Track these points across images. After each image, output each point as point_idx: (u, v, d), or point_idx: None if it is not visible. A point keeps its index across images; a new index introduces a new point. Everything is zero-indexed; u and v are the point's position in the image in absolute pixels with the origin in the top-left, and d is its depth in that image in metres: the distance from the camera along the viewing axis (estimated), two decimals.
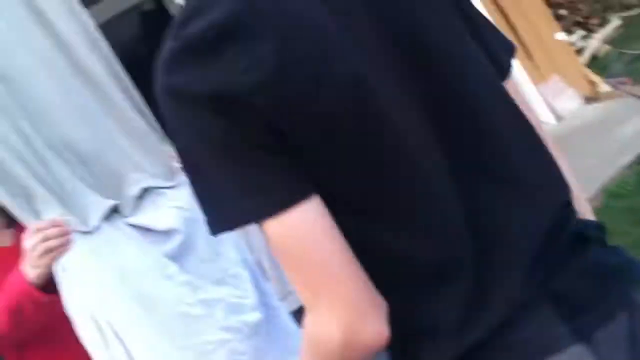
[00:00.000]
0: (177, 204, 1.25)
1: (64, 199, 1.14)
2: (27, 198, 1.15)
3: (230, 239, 1.34)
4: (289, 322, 1.36)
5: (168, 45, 0.53)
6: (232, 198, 0.53)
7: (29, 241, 1.14)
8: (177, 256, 1.20)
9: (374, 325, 0.54)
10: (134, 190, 1.21)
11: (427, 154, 0.57)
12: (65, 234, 1.11)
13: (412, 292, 0.58)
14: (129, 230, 1.18)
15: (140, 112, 1.32)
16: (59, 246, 1.11)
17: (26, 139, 1.11)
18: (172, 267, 1.18)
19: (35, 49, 1.20)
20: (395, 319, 0.55)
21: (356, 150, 0.54)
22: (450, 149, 0.57)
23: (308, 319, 0.56)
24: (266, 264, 2.27)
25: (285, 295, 2.18)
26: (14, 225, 1.54)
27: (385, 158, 0.55)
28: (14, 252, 1.41)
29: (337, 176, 0.54)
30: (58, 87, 1.20)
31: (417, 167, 0.56)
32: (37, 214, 1.15)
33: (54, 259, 1.13)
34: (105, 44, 1.31)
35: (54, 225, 1.12)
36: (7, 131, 1.10)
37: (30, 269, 1.17)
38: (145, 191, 1.23)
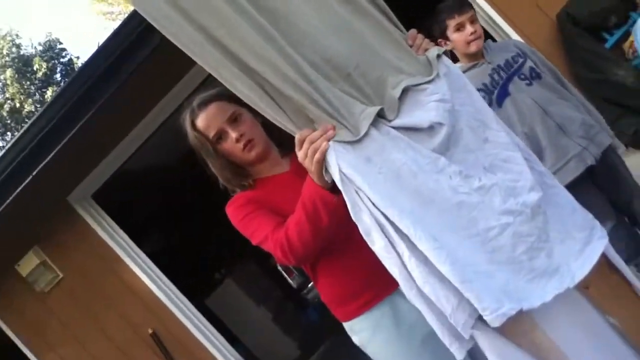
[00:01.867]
0: (437, 97, 1.26)
1: (333, 114, 1.23)
2: (300, 114, 1.26)
3: (494, 121, 1.32)
4: (568, 197, 1.32)
5: None
6: None
7: (297, 147, 1.29)
8: (444, 149, 1.23)
9: None
10: (395, 92, 1.25)
11: None
12: (323, 131, 1.23)
13: None
14: (396, 132, 1.23)
15: (388, 17, 1.34)
16: (320, 143, 1.23)
17: (294, 64, 1.21)
18: (442, 161, 1.21)
19: None
20: None
21: None
22: None
23: None
24: (540, 133, 2.18)
25: (560, 166, 2.09)
26: (289, 154, 1.74)
27: None
28: (292, 177, 1.60)
29: None
30: (314, 10, 1.27)
31: None
32: (311, 125, 1.27)
33: (321, 157, 1.25)
34: None
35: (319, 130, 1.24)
36: (277, 59, 1.20)
37: (311, 173, 1.32)
38: (405, 91, 1.26)
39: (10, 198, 3.53)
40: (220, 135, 1.66)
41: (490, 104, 2.16)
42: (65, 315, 4.28)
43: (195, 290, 5.20)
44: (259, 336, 7.13)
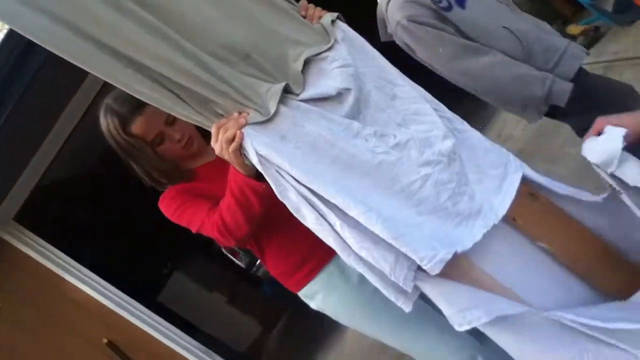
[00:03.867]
0: (339, 64, 1.26)
1: (239, 99, 1.21)
2: (206, 106, 1.25)
3: (399, 77, 1.34)
4: (480, 138, 1.37)
5: None
6: None
7: (212, 140, 1.27)
8: (355, 113, 1.24)
9: None
10: (297, 66, 1.24)
11: None
12: (236, 120, 1.22)
13: None
14: (305, 105, 1.23)
15: None
16: (235, 132, 1.22)
17: (192, 57, 1.19)
18: (355, 125, 1.22)
19: None
20: None
21: None
22: None
23: None
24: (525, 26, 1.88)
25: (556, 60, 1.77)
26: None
27: None
28: (220, 163, 1.57)
29: None
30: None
31: None
32: (219, 118, 1.26)
33: (237, 146, 1.23)
34: None
35: (230, 118, 1.23)
36: (173, 55, 1.18)
37: (231, 163, 1.30)
38: (307, 63, 1.26)
39: None
40: (161, 137, 1.66)
41: (448, 7, 1.77)
42: (15, 344, 4.12)
43: (146, 290, 5.11)
44: (219, 321, 7.12)
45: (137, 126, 1.62)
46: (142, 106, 1.62)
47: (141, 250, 7.56)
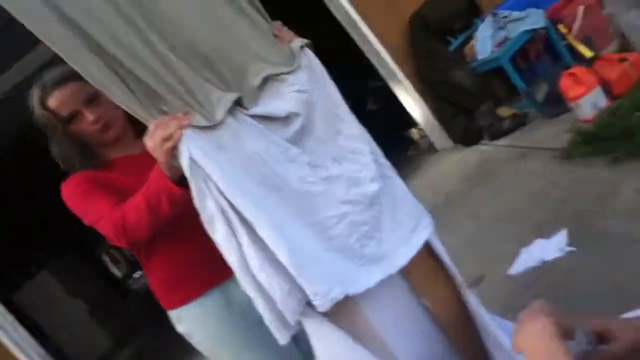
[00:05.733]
0: (297, 88, 1.31)
1: (189, 101, 1.21)
2: (152, 100, 1.23)
3: (348, 114, 1.41)
4: (404, 189, 1.44)
5: None
6: None
7: (148, 135, 1.26)
8: (297, 139, 1.29)
9: None
10: (255, 81, 1.28)
11: None
12: (179, 120, 1.21)
13: None
14: (251, 121, 1.25)
15: (254, 6, 1.38)
16: (174, 132, 1.21)
17: (152, 47, 1.19)
18: (294, 150, 1.27)
19: None
20: None
21: None
22: None
23: None
24: None
25: None
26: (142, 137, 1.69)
27: None
28: (143, 159, 1.46)
29: None
30: None
31: None
32: (161, 115, 1.25)
33: (172, 145, 1.22)
34: None
35: (172, 117, 1.23)
36: (135, 42, 1.18)
37: (160, 163, 1.30)
38: (266, 80, 1.30)
39: None
40: (75, 116, 1.60)
41: None
42: None
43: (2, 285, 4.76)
44: (72, 331, 6.73)
45: (54, 99, 1.58)
46: (66, 81, 1.59)
47: (11, 243, 7.04)
